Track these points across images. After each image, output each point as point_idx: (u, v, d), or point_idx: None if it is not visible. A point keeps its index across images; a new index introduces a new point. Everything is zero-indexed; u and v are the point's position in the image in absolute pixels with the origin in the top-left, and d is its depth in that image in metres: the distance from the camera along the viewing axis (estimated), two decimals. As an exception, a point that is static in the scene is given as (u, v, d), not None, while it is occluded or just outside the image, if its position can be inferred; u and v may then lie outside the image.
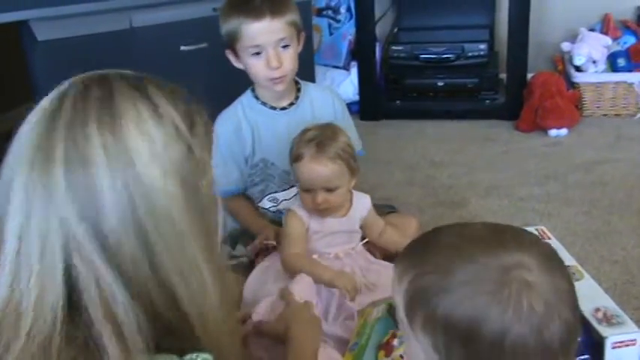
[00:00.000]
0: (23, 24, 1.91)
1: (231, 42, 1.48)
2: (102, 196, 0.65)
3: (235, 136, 1.57)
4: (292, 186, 1.58)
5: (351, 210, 1.44)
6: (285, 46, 1.47)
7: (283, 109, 1.57)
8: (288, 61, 1.47)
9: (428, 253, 0.71)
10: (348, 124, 1.63)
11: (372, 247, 1.51)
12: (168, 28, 2.08)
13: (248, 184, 1.63)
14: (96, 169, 0.65)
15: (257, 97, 1.57)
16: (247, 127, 1.57)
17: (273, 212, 1.62)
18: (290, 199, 1.59)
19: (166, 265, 0.67)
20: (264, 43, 1.45)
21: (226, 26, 1.48)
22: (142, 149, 0.66)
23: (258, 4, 1.44)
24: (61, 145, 0.65)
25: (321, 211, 1.39)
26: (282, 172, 1.58)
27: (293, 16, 1.48)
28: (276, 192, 1.61)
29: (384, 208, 1.72)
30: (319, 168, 1.35)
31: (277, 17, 1.44)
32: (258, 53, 1.46)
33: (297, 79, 1.61)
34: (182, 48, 2.11)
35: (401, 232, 1.57)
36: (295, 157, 1.37)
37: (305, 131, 1.39)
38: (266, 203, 1.63)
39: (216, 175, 1.68)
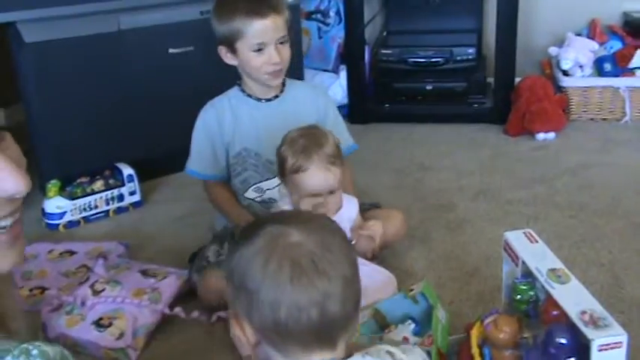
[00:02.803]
0: (11, 26, 1.89)
1: (232, 40, 1.53)
2: None
3: (217, 123, 1.63)
4: (275, 176, 1.60)
5: (340, 210, 1.46)
6: (283, 42, 1.54)
7: (268, 100, 1.63)
8: (287, 55, 1.56)
9: None
10: (336, 121, 1.69)
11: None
12: (156, 30, 2.08)
13: (231, 175, 1.66)
14: None
15: (243, 91, 1.63)
16: (230, 115, 1.63)
17: (259, 202, 1.65)
18: (274, 188, 1.63)
19: None
20: (267, 40, 1.52)
21: (227, 26, 1.53)
22: None
23: (259, 1, 1.51)
24: None
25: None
26: (265, 161, 1.62)
27: (287, 13, 1.56)
28: (260, 182, 1.64)
29: (367, 205, 1.72)
30: (326, 175, 1.38)
31: (279, 15, 1.52)
32: (259, 49, 1.52)
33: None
34: (170, 51, 2.11)
35: (384, 224, 1.57)
36: (296, 169, 1.38)
37: (293, 140, 1.40)
38: (251, 194, 1.65)
39: (195, 160, 1.74)
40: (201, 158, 1.65)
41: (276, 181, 1.61)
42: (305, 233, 0.81)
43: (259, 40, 1.52)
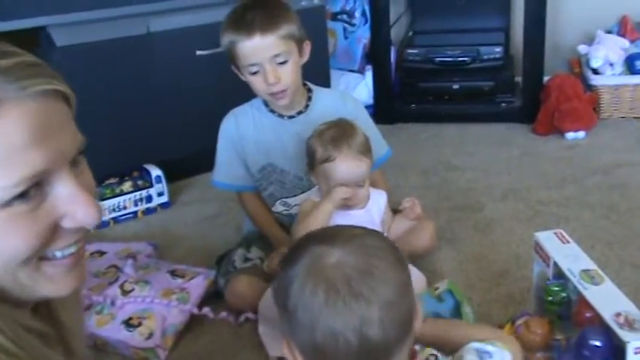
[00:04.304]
0: (42, 30, 1.93)
1: (231, 59, 1.48)
2: None
3: (238, 134, 1.59)
4: (304, 191, 1.59)
5: (368, 202, 1.46)
6: (282, 62, 1.44)
7: (291, 117, 1.57)
8: (287, 75, 1.45)
9: None
10: (368, 127, 1.61)
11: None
12: (184, 33, 2.10)
13: (258, 188, 1.63)
14: None
15: (266, 104, 1.58)
16: (252, 128, 1.58)
17: (286, 215, 1.63)
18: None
19: None
20: (259, 60, 1.43)
21: (223, 44, 1.48)
22: None
23: (249, 20, 1.42)
24: None
25: (348, 207, 1.41)
26: (293, 177, 1.59)
27: (288, 28, 1.44)
28: (287, 197, 1.62)
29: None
30: (356, 165, 1.37)
31: (269, 33, 1.41)
32: (256, 72, 1.45)
33: (310, 85, 1.60)
34: (198, 53, 2.12)
35: (416, 236, 1.57)
36: (324, 159, 1.37)
37: (322, 131, 1.40)
38: (278, 207, 1.63)
39: (222, 171, 1.70)
40: (229, 169, 1.61)
41: (303, 197, 1.59)
42: (345, 253, 0.77)
43: (250, 62, 1.43)
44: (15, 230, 0.61)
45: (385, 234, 1.47)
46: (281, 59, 1.44)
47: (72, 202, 0.64)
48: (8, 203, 0.60)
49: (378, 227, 1.46)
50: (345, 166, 1.36)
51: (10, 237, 0.61)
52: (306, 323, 0.76)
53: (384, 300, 0.75)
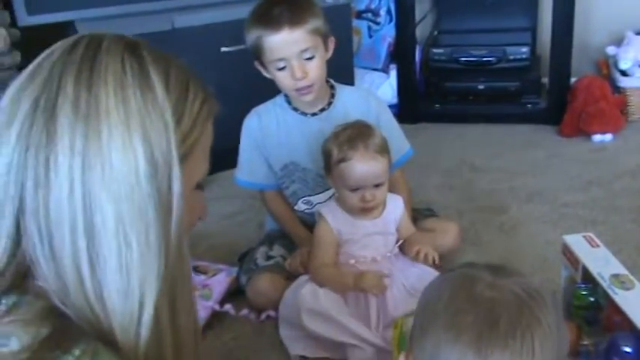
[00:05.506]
0: (69, 24, 1.94)
1: (257, 55, 1.47)
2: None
3: (261, 132, 1.58)
4: (327, 189, 1.58)
5: (384, 211, 1.43)
6: (309, 58, 1.43)
7: (314, 114, 1.56)
8: (314, 70, 1.44)
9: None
10: (390, 125, 1.61)
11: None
12: (209, 29, 2.10)
13: (281, 186, 1.63)
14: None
15: (289, 102, 1.57)
16: (275, 126, 1.57)
17: (308, 214, 1.62)
18: (324, 202, 1.59)
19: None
20: (287, 55, 1.42)
21: (248, 39, 1.47)
22: (112, 109, 0.61)
23: (276, 14, 1.41)
24: (31, 97, 0.62)
25: (367, 210, 1.39)
26: (315, 175, 1.58)
27: (315, 23, 1.43)
28: (309, 195, 1.61)
29: (422, 212, 1.70)
30: (372, 164, 1.34)
31: (297, 27, 1.40)
32: (283, 67, 1.44)
33: (332, 82, 1.59)
34: (222, 49, 2.12)
35: (440, 237, 1.55)
36: (340, 159, 1.36)
37: (338, 133, 1.39)
38: (301, 206, 1.63)
39: (244, 169, 1.70)
40: (252, 167, 1.61)
41: (327, 194, 1.58)
42: (500, 286, 0.70)
43: (277, 57, 1.42)
44: (197, 207, 0.75)
45: (399, 242, 1.46)
46: (308, 54, 1.43)
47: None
48: (198, 186, 0.73)
49: (392, 236, 1.45)
50: (362, 165, 1.34)
51: (196, 210, 0.75)
52: (431, 333, 0.70)
53: (525, 352, 0.66)
